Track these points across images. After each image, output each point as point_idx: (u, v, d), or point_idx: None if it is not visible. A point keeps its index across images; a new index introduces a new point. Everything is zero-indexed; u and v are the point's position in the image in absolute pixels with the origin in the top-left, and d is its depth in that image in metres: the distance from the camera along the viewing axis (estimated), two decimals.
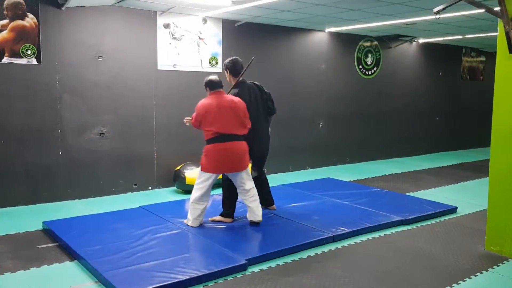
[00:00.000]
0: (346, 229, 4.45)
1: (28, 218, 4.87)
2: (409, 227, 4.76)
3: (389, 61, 9.02)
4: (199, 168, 6.34)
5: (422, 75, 9.66)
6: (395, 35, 8.48)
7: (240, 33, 6.86)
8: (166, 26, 6.13)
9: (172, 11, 5.97)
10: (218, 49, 6.64)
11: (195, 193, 4.45)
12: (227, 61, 4.81)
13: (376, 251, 4.11)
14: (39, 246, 4.07)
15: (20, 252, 3.92)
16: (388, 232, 4.60)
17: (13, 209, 5.22)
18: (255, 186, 4.61)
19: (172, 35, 6.18)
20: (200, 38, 6.43)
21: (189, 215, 4.52)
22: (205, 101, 4.41)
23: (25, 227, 4.57)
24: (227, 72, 4.82)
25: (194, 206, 4.46)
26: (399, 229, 4.70)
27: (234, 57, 4.83)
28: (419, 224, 4.84)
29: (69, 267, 3.65)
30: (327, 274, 3.57)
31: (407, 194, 6.18)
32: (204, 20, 6.43)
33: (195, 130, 4.63)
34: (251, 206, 4.54)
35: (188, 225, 4.49)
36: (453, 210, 5.32)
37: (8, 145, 5.22)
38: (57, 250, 3.99)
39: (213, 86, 4.45)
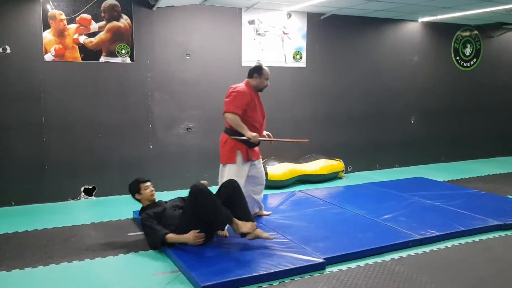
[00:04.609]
0: (435, 232, 4.15)
1: (120, 207, 5.19)
2: (508, 232, 4.32)
3: (491, 52, 8.27)
4: (281, 164, 6.32)
5: None
6: (497, 23, 7.74)
7: (325, 26, 6.70)
8: (251, 22, 6.17)
9: (256, 7, 6.00)
10: (303, 44, 6.54)
11: None
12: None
13: (468, 257, 3.78)
14: (128, 234, 4.31)
15: (111, 238, 4.18)
16: (483, 237, 4.21)
17: (108, 199, 5.60)
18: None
19: (257, 31, 6.21)
20: (284, 33, 6.39)
21: None
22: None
23: (118, 216, 4.88)
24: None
25: None
26: (496, 234, 4.29)
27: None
28: None
29: (154, 255, 3.81)
30: (411, 279, 3.35)
31: (509, 196, 5.62)
32: (289, 15, 6.38)
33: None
34: None
35: None
36: None
37: (105, 139, 5.60)
38: (144, 239, 4.19)
39: None
